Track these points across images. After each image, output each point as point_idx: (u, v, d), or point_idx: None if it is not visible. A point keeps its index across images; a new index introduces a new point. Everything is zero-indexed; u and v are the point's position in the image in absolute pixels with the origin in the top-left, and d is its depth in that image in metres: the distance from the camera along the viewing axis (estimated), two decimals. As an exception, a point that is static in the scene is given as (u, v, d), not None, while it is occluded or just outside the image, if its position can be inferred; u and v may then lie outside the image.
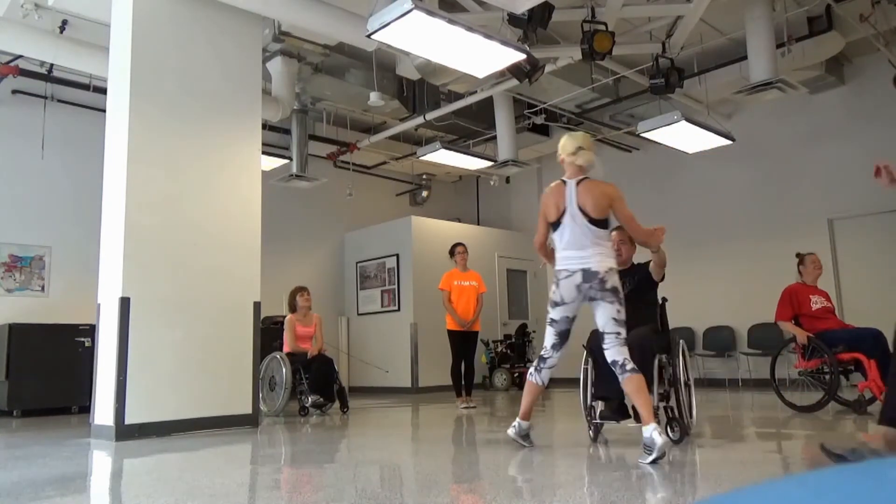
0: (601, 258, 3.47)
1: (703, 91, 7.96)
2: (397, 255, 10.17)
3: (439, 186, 12.29)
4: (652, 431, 3.12)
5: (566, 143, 3.65)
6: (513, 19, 5.45)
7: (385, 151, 10.51)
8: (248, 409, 5.24)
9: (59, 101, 7.95)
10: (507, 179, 11.50)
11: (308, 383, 6.32)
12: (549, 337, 3.65)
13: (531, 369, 3.76)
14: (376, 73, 7.60)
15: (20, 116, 7.73)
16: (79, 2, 5.50)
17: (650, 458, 3.08)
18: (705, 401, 6.66)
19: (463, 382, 6.90)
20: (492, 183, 10.98)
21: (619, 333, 3.43)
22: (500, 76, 6.94)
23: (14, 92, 7.70)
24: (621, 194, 3.56)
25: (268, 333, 6.67)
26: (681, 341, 4.02)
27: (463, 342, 6.91)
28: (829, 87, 8.32)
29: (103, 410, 4.71)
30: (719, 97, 8.36)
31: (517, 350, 9.96)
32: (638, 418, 3.39)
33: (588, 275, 3.45)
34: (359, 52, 7.09)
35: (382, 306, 10.34)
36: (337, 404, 6.51)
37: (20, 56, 6.72)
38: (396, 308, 10.10)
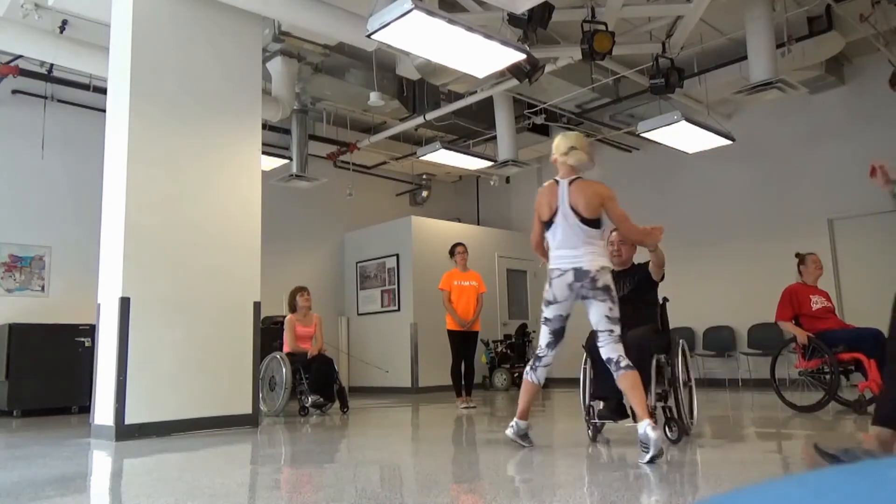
0: (593, 257, 3.50)
1: (703, 91, 7.96)
2: (397, 255, 10.17)
3: (439, 186, 12.29)
4: (646, 427, 3.14)
5: (559, 143, 3.70)
6: (513, 19, 5.45)
7: (385, 151, 10.51)
8: (248, 409, 5.24)
9: (59, 101, 7.95)
10: (507, 179, 11.50)
11: (308, 383, 6.32)
12: (544, 336, 3.67)
13: (527, 368, 3.79)
14: (376, 73, 7.59)
15: (20, 116, 7.73)
16: (79, 2, 5.51)
17: (648, 456, 3.09)
18: (705, 401, 6.65)
19: (463, 382, 6.89)
20: (492, 183, 10.98)
21: (612, 331, 3.45)
22: (500, 76, 6.93)
23: (14, 92, 7.70)
24: (613, 194, 3.58)
25: (268, 333, 6.67)
26: (681, 341, 4.02)
27: (463, 342, 6.91)
28: (829, 87, 8.32)
29: (103, 410, 4.71)
30: (719, 97, 8.36)
31: (517, 350, 9.96)
32: (636, 418, 3.39)
33: (579, 274, 3.48)
34: (359, 52, 7.09)
35: (382, 306, 10.34)
36: (337, 404, 6.52)
37: (20, 56, 6.72)
38: (396, 308, 10.10)
